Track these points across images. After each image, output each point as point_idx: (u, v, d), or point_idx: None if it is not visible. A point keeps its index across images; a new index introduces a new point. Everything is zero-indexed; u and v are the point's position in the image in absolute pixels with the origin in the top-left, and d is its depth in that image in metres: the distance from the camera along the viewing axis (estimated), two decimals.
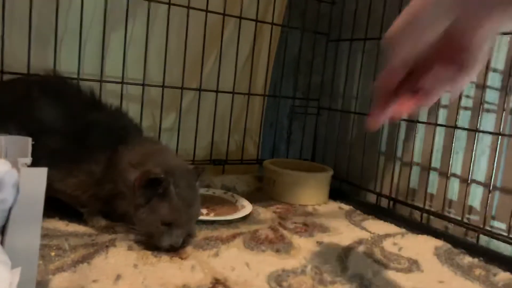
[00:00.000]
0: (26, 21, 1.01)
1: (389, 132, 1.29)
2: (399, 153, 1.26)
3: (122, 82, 1.15)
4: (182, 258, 0.79)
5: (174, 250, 0.81)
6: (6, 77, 1.00)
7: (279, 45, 1.46)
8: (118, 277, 0.70)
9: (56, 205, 0.94)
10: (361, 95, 1.35)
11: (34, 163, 0.81)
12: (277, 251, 0.88)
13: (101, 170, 0.85)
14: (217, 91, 1.29)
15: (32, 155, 0.82)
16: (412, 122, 1.21)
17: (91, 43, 1.15)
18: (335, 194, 1.31)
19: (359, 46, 1.37)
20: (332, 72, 1.45)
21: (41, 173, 0.54)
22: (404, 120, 1.22)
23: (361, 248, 0.93)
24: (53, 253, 0.76)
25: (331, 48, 1.47)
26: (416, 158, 1.21)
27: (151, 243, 0.82)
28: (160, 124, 1.21)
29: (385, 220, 1.14)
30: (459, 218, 1.07)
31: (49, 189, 0.84)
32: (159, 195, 0.80)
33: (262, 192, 1.31)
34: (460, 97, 1.09)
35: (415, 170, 1.22)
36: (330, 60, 1.47)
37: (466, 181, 1.07)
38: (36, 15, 1.05)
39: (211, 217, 1.00)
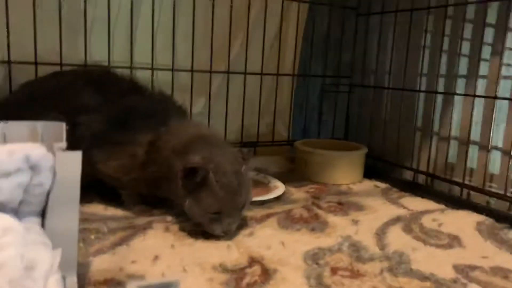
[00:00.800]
0: (56, 12, 1.03)
1: (425, 106, 1.25)
2: (436, 128, 1.22)
3: (152, 68, 1.16)
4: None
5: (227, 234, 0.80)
6: (40, 68, 1.02)
7: (306, 23, 1.43)
8: (156, 257, 0.71)
9: (95, 190, 0.96)
10: (394, 70, 1.31)
11: (77, 145, 0.84)
12: (312, 230, 0.87)
13: (144, 153, 0.85)
14: (245, 73, 1.28)
15: (76, 138, 0.85)
16: (448, 94, 1.16)
17: (119, 30, 1.16)
18: (370, 172, 1.28)
19: (390, 19, 1.32)
20: (363, 48, 1.41)
21: (76, 156, 0.55)
22: (440, 92, 1.18)
23: (399, 225, 0.91)
24: (92, 236, 0.78)
25: (361, 23, 1.43)
26: (454, 132, 1.17)
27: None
28: (191, 109, 1.21)
29: (423, 197, 1.11)
30: (502, 192, 1.02)
31: (92, 170, 0.87)
32: (200, 185, 0.77)
33: (295, 173, 1.30)
34: (499, 66, 1.03)
35: (453, 145, 1.17)
36: (361, 36, 1.43)
37: (508, 154, 1.02)
38: (66, 5, 1.07)
39: None
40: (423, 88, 1.24)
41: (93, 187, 0.96)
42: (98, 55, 1.12)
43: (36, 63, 1.02)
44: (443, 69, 1.20)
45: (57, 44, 1.04)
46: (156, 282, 0.25)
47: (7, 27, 0.98)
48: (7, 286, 0.43)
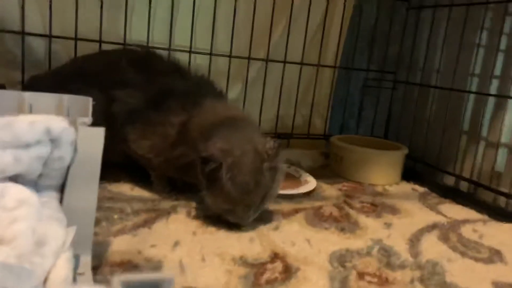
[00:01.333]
0: None
1: (474, 109, 1.16)
2: (484, 132, 1.13)
3: (190, 51, 1.14)
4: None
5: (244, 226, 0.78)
6: (80, 44, 1.02)
7: (353, 13, 1.36)
8: (176, 243, 0.69)
9: (124, 169, 0.96)
10: (443, 68, 1.23)
11: (113, 119, 0.83)
12: (342, 229, 0.82)
13: (175, 134, 0.83)
14: (284, 62, 1.24)
15: (112, 113, 0.85)
16: (502, 97, 1.08)
17: (161, 11, 1.15)
18: (408, 174, 1.22)
19: (443, 13, 1.24)
20: (411, 43, 1.33)
21: (99, 132, 0.53)
22: (492, 95, 1.09)
23: (435, 233, 0.85)
24: (116, 216, 0.77)
25: (412, 16, 1.35)
26: (504, 138, 1.08)
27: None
28: (226, 95, 1.18)
29: (464, 205, 1.04)
30: None
31: (125, 147, 0.87)
32: (214, 182, 0.74)
33: (328, 169, 1.25)
34: None
35: (502, 152, 1.09)
36: (410, 30, 1.35)
37: None
38: None
39: None
40: (473, 89, 1.16)
41: (123, 166, 0.96)
42: (138, 34, 1.11)
43: (76, 39, 1.02)
44: (497, 70, 1.11)
45: (98, 21, 1.04)
46: (144, 277, 0.22)
47: (50, 2, 0.98)
48: (15, 260, 0.42)
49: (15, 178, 0.50)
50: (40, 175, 0.52)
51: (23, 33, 0.99)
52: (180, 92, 0.88)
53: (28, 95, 0.56)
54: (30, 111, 0.56)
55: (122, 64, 0.90)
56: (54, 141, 0.50)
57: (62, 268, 0.44)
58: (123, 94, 0.86)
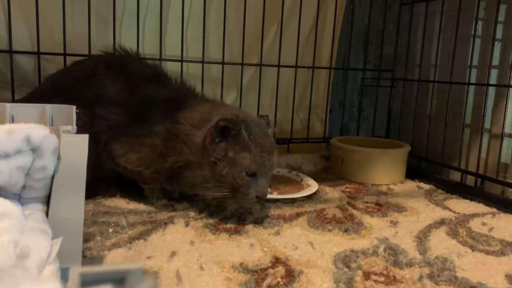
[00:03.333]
0: (86, 3, 1.02)
1: (475, 101, 1.14)
2: (487, 124, 1.11)
3: (181, 60, 1.13)
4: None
5: (260, 199, 0.78)
6: (69, 59, 1.01)
7: (345, 13, 1.35)
8: (173, 254, 0.67)
9: (118, 185, 0.94)
10: (441, 62, 1.21)
11: (97, 137, 0.81)
12: (346, 231, 0.80)
13: (162, 143, 0.81)
14: (278, 66, 1.22)
15: (94, 130, 0.82)
16: (502, 86, 1.05)
17: (150, 22, 1.14)
18: (413, 173, 1.19)
19: (436, 7, 1.22)
20: (407, 39, 1.31)
21: (82, 139, 0.51)
22: (492, 85, 1.07)
23: (443, 229, 0.82)
24: (110, 230, 0.74)
25: (405, 12, 1.33)
26: (508, 128, 1.06)
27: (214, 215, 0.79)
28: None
29: (472, 199, 1.01)
30: None
31: (114, 164, 0.84)
32: (235, 146, 0.75)
33: (330, 171, 1.23)
34: None
35: (507, 143, 1.06)
36: (404, 26, 1.33)
37: None
38: None
39: (274, 195, 0.94)
40: (473, 80, 1.13)
41: (116, 182, 0.94)
42: (128, 46, 1.10)
43: (65, 54, 1.01)
44: (495, 60, 1.09)
45: (86, 36, 1.02)
46: (107, 268, 0.20)
47: (37, 18, 0.97)
48: None
49: None
50: (23, 187, 0.49)
51: (10, 51, 0.98)
52: (161, 100, 0.85)
53: (9, 106, 0.54)
54: (12, 122, 0.54)
55: (99, 71, 0.87)
56: (35, 150, 0.48)
57: (47, 280, 0.42)
58: (103, 111, 0.84)
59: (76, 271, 0.20)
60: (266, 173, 0.77)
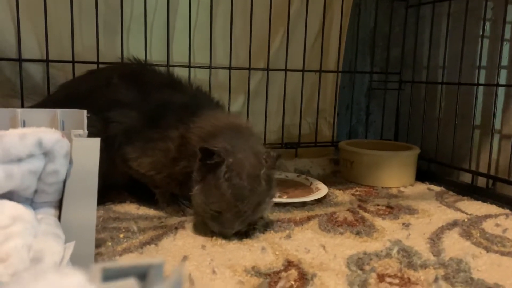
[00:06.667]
0: (94, 11, 1.02)
1: (484, 102, 1.13)
2: (497, 125, 1.10)
3: (189, 66, 1.13)
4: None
5: (226, 237, 0.74)
6: (77, 66, 1.01)
7: (351, 17, 1.35)
8: (184, 258, 0.66)
9: (129, 191, 0.94)
10: (449, 64, 1.20)
11: (111, 141, 0.82)
12: (357, 233, 0.79)
13: (175, 148, 0.81)
14: (285, 70, 1.22)
15: (108, 133, 0.82)
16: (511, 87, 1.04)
17: (157, 29, 1.15)
18: (423, 175, 1.18)
19: (443, 8, 1.22)
20: (413, 41, 1.31)
21: (94, 143, 0.51)
22: (502, 85, 1.06)
23: (456, 230, 0.81)
24: (121, 235, 0.74)
25: (412, 14, 1.33)
26: None
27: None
28: (229, 108, 1.16)
29: (484, 201, 1.00)
30: None
31: (127, 168, 0.84)
32: (212, 176, 0.71)
33: (339, 175, 1.22)
34: None
35: None
36: (411, 28, 1.33)
37: None
38: (103, 4, 1.06)
39: (284, 199, 0.93)
40: (481, 81, 1.13)
41: (127, 188, 0.94)
42: (135, 53, 1.10)
43: (73, 62, 1.01)
44: (504, 60, 1.08)
45: (95, 43, 1.03)
46: (129, 264, 0.20)
47: (46, 27, 0.98)
48: (9, 279, 0.39)
49: (9, 196, 0.48)
50: (36, 191, 0.49)
51: (20, 60, 0.98)
52: (176, 105, 0.85)
53: (21, 111, 0.54)
54: (24, 127, 0.54)
55: (114, 81, 0.87)
56: (47, 154, 0.48)
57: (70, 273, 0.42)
58: (117, 114, 0.84)
59: (98, 266, 0.20)
60: (231, 217, 0.71)
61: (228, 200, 0.70)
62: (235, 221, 0.72)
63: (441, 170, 1.21)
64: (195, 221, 0.82)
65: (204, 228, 0.78)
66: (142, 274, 0.20)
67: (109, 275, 0.19)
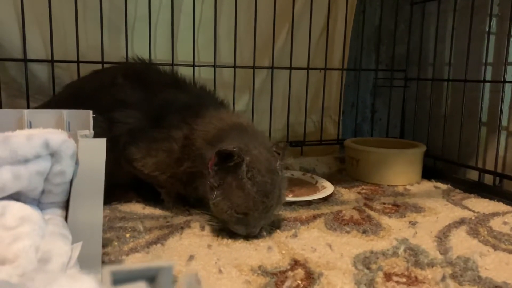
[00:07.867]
0: (98, 11, 1.02)
1: (491, 98, 1.12)
2: (504, 122, 1.09)
3: (193, 65, 1.13)
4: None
5: (251, 237, 0.74)
6: (82, 66, 1.01)
7: (356, 14, 1.35)
8: (191, 257, 0.66)
9: (134, 190, 0.94)
10: (455, 60, 1.20)
11: (116, 141, 0.82)
12: (364, 232, 0.79)
13: (179, 148, 0.81)
14: (290, 68, 1.22)
15: (113, 134, 0.83)
16: None
17: (161, 28, 1.15)
18: (429, 173, 1.17)
19: (448, 5, 1.21)
20: (419, 38, 1.30)
21: (100, 144, 0.51)
22: (509, 82, 1.05)
23: (463, 228, 0.81)
24: (128, 235, 0.74)
25: (417, 11, 1.32)
26: None
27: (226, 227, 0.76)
28: (234, 106, 1.16)
29: (491, 198, 0.99)
30: None
31: (129, 166, 0.84)
32: (232, 178, 0.71)
33: (345, 173, 1.22)
34: None
35: None
36: (416, 25, 1.32)
37: None
38: (107, 4, 1.06)
39: (290, 198, 0.93)
40: (488, 78, 1.12)
41: (133, 187, 0.94)
42: (140, 53, 1.10)
43: (78, 62, 1.01)
44: (511, 57, 1.07)
45: (99, 43, 1.03)
46: (139, 266, 0.20)
47: (50, 27, 0.98)
48: (18, 279, 0.39)
49: (17, 197, 0.48)
50: (42, 192, 0.50)
51: (25, 60, 0.99)
52: (180, 105, 0.85)
53: (27, 112, 0.54)
54: (30, 128, 0.54)
55: (118, 81, 0.88)
56: (54, 155, 0.48)
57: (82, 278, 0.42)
58: (122, 115, 0.84)
59: (108, 269, 0.20)
60: (258, 215, 0.71)
61: (254, 198, 0.70)
62: (261, 218, 0.72)
63: (447, 168, 1.20)
64: (201, 220, 0.82)
65: (210, 228, 0.78)
66: (151, 277, 0.19)
67: (119, 278, 0.19)
